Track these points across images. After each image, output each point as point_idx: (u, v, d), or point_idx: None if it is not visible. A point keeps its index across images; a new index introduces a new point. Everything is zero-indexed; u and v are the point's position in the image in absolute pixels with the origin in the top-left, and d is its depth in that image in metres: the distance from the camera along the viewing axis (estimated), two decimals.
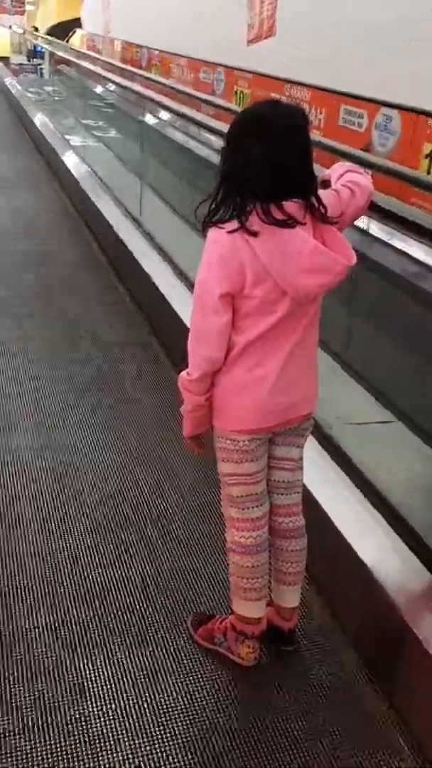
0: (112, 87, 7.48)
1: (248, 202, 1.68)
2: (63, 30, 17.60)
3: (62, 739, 1.86)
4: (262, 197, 1.67)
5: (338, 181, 1.90)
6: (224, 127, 2.54)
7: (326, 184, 1.91)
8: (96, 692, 2.00)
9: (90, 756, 1.83)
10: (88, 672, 2.06)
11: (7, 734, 1.87)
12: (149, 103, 5.70)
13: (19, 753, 1.82)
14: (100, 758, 1.83)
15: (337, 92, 6.12)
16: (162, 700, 1.99)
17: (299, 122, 1.71)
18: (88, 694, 1.99)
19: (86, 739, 1.87)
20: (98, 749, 1.85)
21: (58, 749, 1.84)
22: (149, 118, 5.95)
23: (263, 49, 8.05)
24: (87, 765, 1.81)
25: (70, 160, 7.54)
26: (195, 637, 2.17)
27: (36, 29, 18.51)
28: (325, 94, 6.36)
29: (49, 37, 14.72)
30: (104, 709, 1.95)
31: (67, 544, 2.56)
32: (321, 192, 1.76)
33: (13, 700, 1.96)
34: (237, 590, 2.03)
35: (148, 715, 1.95)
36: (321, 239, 1.72)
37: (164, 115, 5.71)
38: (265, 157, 1.66)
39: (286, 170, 1.68)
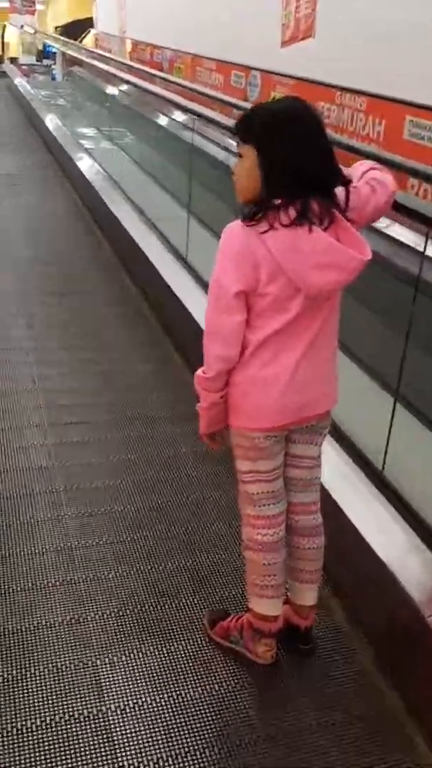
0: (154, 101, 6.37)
1: (273, 200, 1.67)
2: (74, 30, 16.92)
3: (81, 736, 1.87)
4: (285, 195, 1.67)
5: (360, 179, 1.86)
6: None
7: (348, 181, 1.85)
8: (114, 689, 2.00)
9: (108, 752, 1.83)
10: (105, 669, 2.06)
11: (25, 731, 1.87)
12: (203, 122, 4.68)
13: (38, 750, 1.83)
14: (119, 754, 1.83)
15: (402, 102, 5.33)
16: (179, 697, 1.99)
17: (320, 119, 1.71)
18: (105, 691, 1.99)
19: (105, 736, 1.87)
20: (116, 746, 1.85)
21: (77, 746, 1.84)
22: (200, 141, 4.97)
23: (299, 52, 7.29)
24: (105, 761, 1.81)
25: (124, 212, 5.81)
26: (211, 635, 2.16)
27: (56, 29, 17.76)
28: (387, 103, 5.58)
29: (65, 39, 13.93)
30: (122, 706, 1.95)
31: (84, 542, 2.56)
32: (340, 189, 1.74)
33: (31, 697, 1.96)
34: (253, 588, 2.02)
35: (166, 711, 1.95)
36: (335, 236, 1.70)
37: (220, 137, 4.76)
38: (290, 156, 1.66)
39: (310, 168, 1.67)
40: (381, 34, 5.59)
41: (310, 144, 1.68)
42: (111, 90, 8.24)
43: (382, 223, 2.86)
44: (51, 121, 9.55)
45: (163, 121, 6.63)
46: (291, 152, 1.66)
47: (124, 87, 7.29)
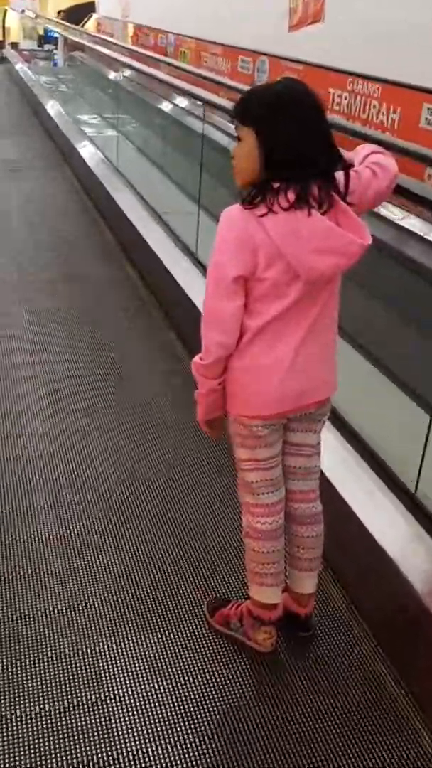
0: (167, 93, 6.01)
1: (272, 183, 1.65)
2: (76, 14, 16.66)
3: (79, 724, 1.86)
4: (285, 178, 1.64)
5: (362, 162, 1.84)
6: None
7: (349, 165, 1.82)
8: (112, 677, 1.99)
9: (107, 740, 1.82)
10: (104, 656, 2.05)
11: (24, 718, 1.86)
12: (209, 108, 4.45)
13: (34, 738, 1.82)
14: (117, 743, 1.82)
15: (420, 89, 5.11)
16: (179, 685, 1.98)
17: (319, 101, 1.69)
18: (104, 679, 1.98)
19: (103, 724, 1.86)
20: (115, 734, 1.84)
21: (76, 734, 1.83)
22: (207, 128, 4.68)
23: (308, 37, 7.06)
24: (104, 749, 1.80)
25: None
26: (211, 622, 2.16)
27: (59, 12, 17.43)
28: (403, 90, 5.36)
29: (67, 24, 13.64)
30: (120, 694, 1.94)
31: (82, 529, 2.55)
32: (339, 173, 1.72)
33: (28, 685, 1.95)
34: (253, 576, 2.02)
35: (165, 699, 1.94)
36: (335, 220, 1.67)
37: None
38: (289, 138, 1.64)
39: (310, 151, 1.65)
40: (396, 20, 5.38)
41: (310, 126, 1.65)
42: (114, 75, 8.00)
43: None
44: (53, 108, 9.34)
45: (168, 107, 6.41)
46: (291, 134, 1.64)
47: (128, 72, 7.05)
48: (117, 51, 8.09)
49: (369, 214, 1.97)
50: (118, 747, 1.81)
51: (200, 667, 2.04)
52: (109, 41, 10.10)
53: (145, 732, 1.85)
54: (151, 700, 1.93)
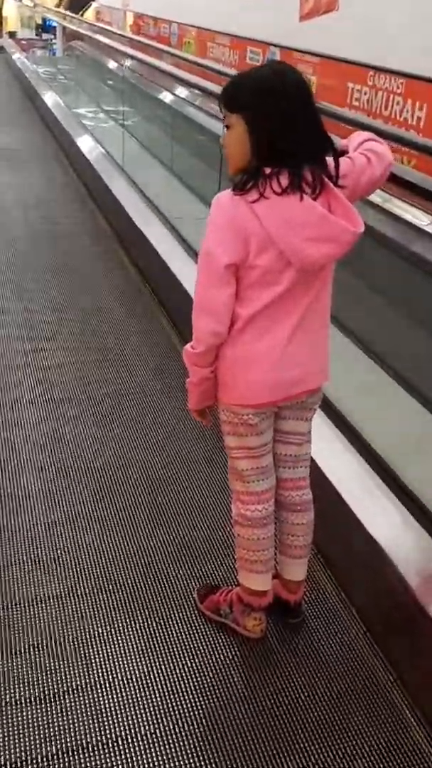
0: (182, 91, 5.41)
1: (263, 169, 1.63)
2: (77, 3, 16.21)
3: (69, 708, 1.86)
4: (275, 163, 1.63)
5: (356, 149, 1.82)
6: None
7: (343, 152, 1.81)
8: (103, 662, 2.00)
9: (97, 725, 1.83)
10: (95, 642, 2.06)
11: (13, 703, 1.87)
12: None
13: (23, 722, 1.82)
14: (107, 727, 1.83)
15: None
16: (169, 670, 1.99)
17: (307, 85, 1.67)
18: (95, 664, 1.99)
19: (94, 708, 1.87)
20: (105, 718, 1.85)
21: (66, 718, 1.84)
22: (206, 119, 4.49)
23: (321, 27, 6.67)
24: (94, 733, 1.81)
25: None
26: (201, 608, 2.16)
27: (60, 1, 16.95)
28: (429, 86, 4.97)
29: (66, 12, 13.18)
30: (110, 680, 1.95)
31: (73, 515, 2.55)
32: (330, 159, 1.70)
33: (20, 670, 1.96)
34: (243, 563, 2.02)
35: (155, 684, 1.95)
36: (327, 205, 1.66)
37: None
38: (279, 123, 1.62)
39: (299, 135, 1.63)
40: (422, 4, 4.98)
41: (299, 110, 1.63)
42: (114, 65, 7.59)
43: None
44: (50, 99, 8.94)
45: (170, 99, 6.00)
46: (280, 119, 1.62)
47: (134, 64, 6.63)
48: (121, 42, 7.69)
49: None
50: (110, 730, 1.82)
51: (190, 652, 2.05)
52: (113, 31, 9.67)
53: (136, 715, 1.86)
54: (142, 684, 1.94)
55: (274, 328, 1.76)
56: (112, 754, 1.76)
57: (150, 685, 1.94)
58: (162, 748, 1.79)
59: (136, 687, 1.93)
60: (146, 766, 1.75)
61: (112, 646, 2.05)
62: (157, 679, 1.96)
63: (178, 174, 5.72)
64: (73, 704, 1.88)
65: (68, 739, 1.79)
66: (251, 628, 2.07)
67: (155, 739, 1.81)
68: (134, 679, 1.95)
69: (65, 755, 1.76)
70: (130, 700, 1.90)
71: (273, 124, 1.62)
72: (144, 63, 5.85)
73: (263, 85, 1.64)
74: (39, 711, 1.86)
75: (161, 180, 5.83)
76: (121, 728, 1.83)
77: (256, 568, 2.00)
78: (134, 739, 1.80)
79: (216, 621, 2.12)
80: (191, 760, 1.77)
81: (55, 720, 1.84)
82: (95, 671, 1.97)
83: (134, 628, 2.11)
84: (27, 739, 1.79)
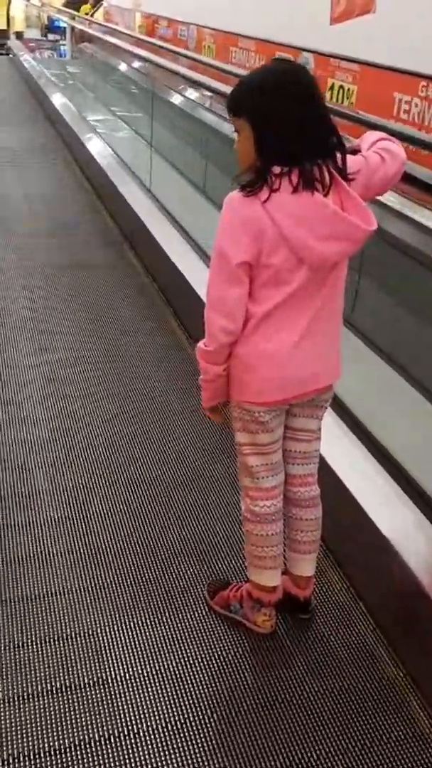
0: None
1: (272, 167, 1.64)
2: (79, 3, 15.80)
3: (82, 703, 1.87)
4: (283, 163, 1.64)
5: (369, 148, 1.83)
6: None
7: (355, 151, 1.83)
8: (115, 657, 2.01)
9: (110, 719, 1.84)
10: (106, 637, 2.07)
11: (27, 696, 1.89)
12: None
13: (38, 715, 1.84)
14: (120, 721, 1.84)
15: None
16: (180, 665, 2.00)
17: (312, 81, 1.69)
18: (106, 659, 2.00)
19: (106, 703, 1.88)
20: (118, 712, 1.86)
21: (78, 712, 1.85)
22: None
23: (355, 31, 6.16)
24: (107, 727, 1.82)
25: None
26: (211, 604, 2.17)
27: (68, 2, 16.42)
28: None
29: (75, 12, 12.67)
30: (122, 674, 1.96)
31: (86, 512, 2.56)
32: (348, 157, 1.72)
33: (32, 664, 1.97)
34: (252, 559, 2.04)
35: (167, 679, 1.95)
36: (340, 204, 1.67)
37: None
38: (282, 124, 1.63)
39: (305, 133, 1.64)
40: None
41: (303, 109, 1.63)
42: (127, 69, 7.05)
43: None
44: (62, 106, 8.37)
45: (205, 115, 5.42)
46: (283, 120, 1.63)
47: (145, 67, 6.07)
48: (127, 42, 7.12)
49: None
50: (119, 725, 1.83)
51: (200, 648, 2.06)
52: (121, 31, 9.13)
53: (145, 710, 1.87)
54: (152, 680, 1.95)
55: (287, 327, 1.77)
56: (123, 748, 1.77)
57: (160, 679, 1.95)
58: (174, 741, 1.80)
59: (146, 681, 1.94)
60: (158, 759, 1.76)
61: (122, 641, 2.06)
62: (167, 674, 1.97)
63: (213, 198, 5.08)
64: (85, 698, 1.89)
65: (77, 733, 1.80)
66: (261, 624, 2.08)
67: (164, 733, 1.81)
68: (144, 674, 1.96)
69: (77, 748, 1.77)
70: (140, 695, 1.91)
71: (276, 124, 1.63)
72: (179, 75, 5.13)
73: (264, 86, 1.64)
74: (47, 706, 1.86)
75: (194, 203, 5.25)
76: (131, 722, 1.83)
77: (265, 564, 2.01)
78: (143, 733, 1.81)
79: (226, 617, 2.13)
80: (203, 754, 1.78)
81: (63, 715, 1.84)
82: (107, 665, 1.98)
83: (145, 623, 2.12)
84: (39, 732, 1.80)
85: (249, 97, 1.66)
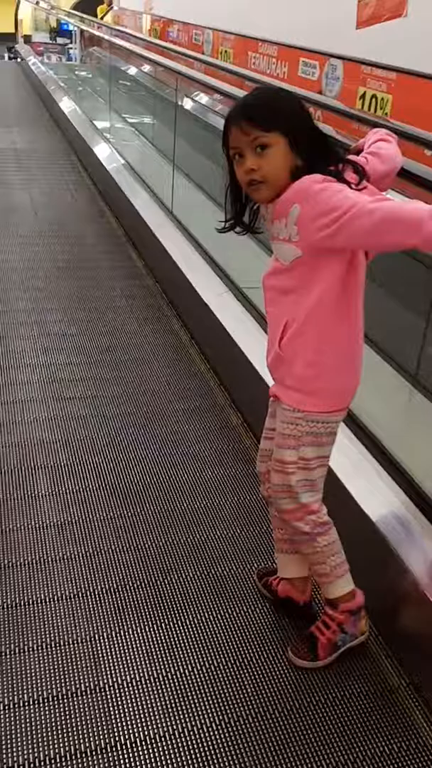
0: None
1: (330, 168, 1.67)
2: (93, 6, 15.41)
3: (78, 710, 1.85)
4: (334, 158, 1.70)
5: (369, 147, 1.88)
6: None
7: (359, 151, 1.88)
8: (112, 664, 1.99)
9: (106, 727, 1.81)
10: (104, 644, 2.05)
11: (21, 704, 1.86)
12: None
13: (32, 724, 1.81)
14: (116, 729, 1.81)
15: None
16: (178, 672, 1.97)
17: None
18: (103, 666, 1.98)
19: (102, 710, 1.85)
20: (114, 720, 1.83)
21: (74, 720, 1.82)
22: None
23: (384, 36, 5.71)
24: (103, 735, 1.79)
25: None
26: (321, 664, 2.00)
27: (77, 4, 15.99)
28: None
29: (86, 15, 12.25)
30: (120, 681, 1.94)
31: (83, 517, 2.53)
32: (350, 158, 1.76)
33: (28, 671, 1.95)
34: (335, 570, 1.95)
35: (164, 686, 1.93)
36: None
37: None
38: (317, 130, 1.71)
39: (328, 138, 1.76)
40: None
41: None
42: (141, 75, 6.60)
43: None
44: (71, 112, 7.98)
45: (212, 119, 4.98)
46: (315, 126, 1.70)
47: (158, 72, 5.59)
48: (142, 46, 6.68)
49: None
50: (117, 732, 1.80)
51: (200, 656, 2.02)
52: (135, 36, 8.70)
53: (144, 718, 1.84)
54: (151, 687, 1.92)
55: (358, 319, 1.77)
56: (121, 757, 1.75)
57: (159, 686, 1.93)
58: (170, 749, 1.77)
59: (145, 688, 1.92)
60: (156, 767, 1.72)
61: (120, 648, 2.03)
62: (166, 681, 1.94)
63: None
64: (80, 706, 1.86)
65: (74, 741, 1.77)
66: (364, 628, 2.03)
67: (163, 741, 1.79)
68: (143, 681, 1.94)
69: (74, 757, 1.74)
70: (139, 702, 1.88)
71: (313, 132, 1.68)
72: (210, 87, 4.52)
73: (294, 98, 1.70)
74: (45, 713, 1.83)
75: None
76: (129, 730, 1.81)
77: (347, 567, 1.97)
78: (142, 741, 1.78)
79: (337, 654, 2.00)
80: (202, 763, 1.74)
81: (61, 722, 1.81)
82: (103, 672, 1.95)
83: (144, 630, 2.10)
84: (32, 741, 1.77)
85: (290, 109, 1.68)
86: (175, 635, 2.08)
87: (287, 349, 1.78)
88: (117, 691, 1.90)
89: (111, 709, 1.85)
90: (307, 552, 1.96)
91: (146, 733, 1.80)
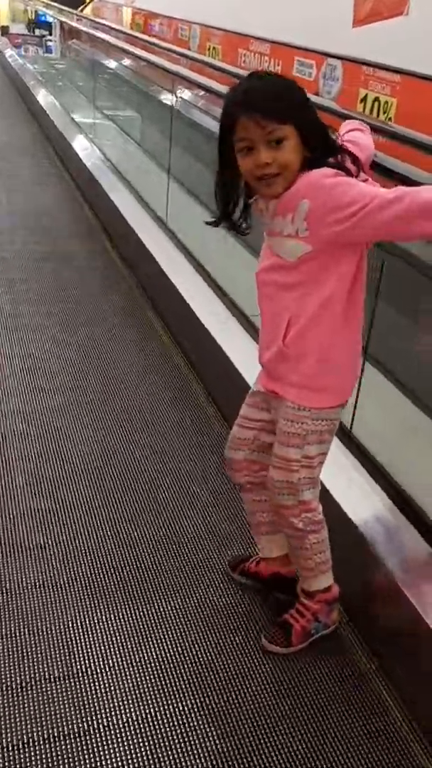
0: None
1: (329, 159, 1.67)
2: None
3: (52, 697, 1.85)
4: (337, 153, 1.70)
5: (343, 137, 1.90)
6: None
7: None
8: (87, 651, 2.00)
9: (81, 713, 1.82)
10: (79, 631, 2.05)
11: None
12: None
13: (7, 709, 1.81)
14: (91, 715, 1.82)
15: None
16: (154, 659, 1.99)
17: None
18: (79, 653, 1.99)
19: (77, 697, 1.86)
20: (89, 706, 1.84)
21: (47, 707, 1.83)
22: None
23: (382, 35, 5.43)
24: (78, 721, 1.80)
25: None
26: (293, 650, 2.04)
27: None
28: None
29: (64, 7, 11.83)
30: (94, 667, 1.95)
31: (57, 504, 2.55)
32: None
33: (4, 658, 1.95)
34: (320, 566, 2.00)
35: (140, 673, 1.94)
36: None
37: None
38: (321, 121, 1.71)
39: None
40: None
41: None
42: (123, 70, 6.23)
43: None
44: (51, 107, 7.55)
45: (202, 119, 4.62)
46: (318, 117, 1.68)
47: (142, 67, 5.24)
48: (122, 40, 6.29)
49: None
50: (92, 717, 1.81)
51: (176, 643, 2.04)
52: (116, 29, 8.30)
53: (119, 703, 1.85)
54: (126, 673, 1.94)
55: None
56: (98, 741, 1.75)
57: (134, 674, 1.93)
58: (144, 735, 1.78)
59: (120, 676, 1.92)
60: (131, 753, 1.74)
61: (96, 636, 2.04)
62: (141, 669, 1.95)
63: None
64: (59, 691, 1.86)
65: (48, 728, 1.77)
66: (336, 618, 2.08)
67: (138, 727, 1.80)
68: (117, 668, 1.94)
69: (49, 742, 1.74)
70: (114, 689, 1.89)
71: (319, 123, 1.67)
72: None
73: (299, 88, 1.67)
74: (17, 699, 1.83)
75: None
76: (104, 716, 1.81)
77: (330, 563, 2.01)
78: (117, 727, 1.79)
79: (308, 644, 2.05)
80: (180, 748, 1.76)
81: (34, 709, 1.81)
82: (78, 660, 1.96)
83: (118, 618, 2.10)
84: (12, 726, 1.76)
85: (300, 100, 1.65)
86: (149, 622, 2.09)
87: (294, 346, 1.75)
88: (92, 677, 1.91)
89: (86, 694, 1.86)
90: (296, 546, 1.98)
91: (121, 717, 1.81)
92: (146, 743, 1.76)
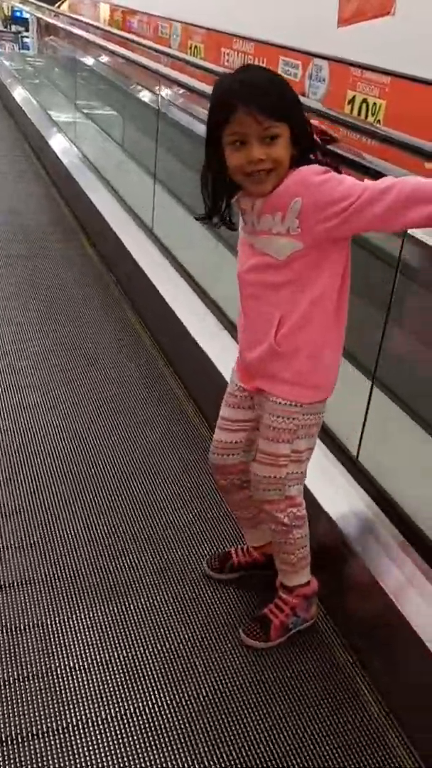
0: None
1: (310, 156, 1.69)
2: None
3: (26, 695, 1.85)
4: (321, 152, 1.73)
5: None
6: None
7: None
8: (63, 648, 1.99)
9: (57, 710, 1.82)
10: (54, 629, 2.05)
11: None
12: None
13: None
14: (68, 712, 1.82)
15: None
16: (131, 655, 1.99)
17: None
18: (55, 651, 1.98)
19: (53, 694, 1.86)
20: (65, 703, 1.84)
21: (21, 704, 1.82)
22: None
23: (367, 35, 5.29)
24: (54, 718, 1.80)
25: None
26: (272, 645, 2.05)
27: None
28: None
29: (42, 3, 11.59)
30: (71, 665, 1.95)
31: (34, 504, 2.53)
32: None
33: None
34: (301, 562, 2.01)
35: (117, 669, 1.94)
36: None
37: None
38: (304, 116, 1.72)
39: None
40: None
41: None
42: (103, 69, 6.07)
43: None
44: (24, 101, 7.32)
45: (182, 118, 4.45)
46: (305, 116, 1.69)
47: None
48: (99, 36, 6.11)
49: None
50: (69, 714, 1.81)
51: (152, 639, 2.04)
52: (94, 26, 8.12)
53: (96, 700, 1.85)
54: (102, 670, 1.93)
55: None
56: (75, 738, 1.75)
57: (110, 671, 1.93)
58: (121, 731, 1.78)
59: (97, 673, 1.92)
60: (108, 750, 1.74)
61: (72, 633, 2.03)
62: (118, 665, 1.95)
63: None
64: (35, 689, 1.86)
65: (23, 725, 1.76)
66: (315, 613, 2.09)
67: (114, 724, 1.80)
68: (94, 665, 1.94)
69: (26, 739, 1.73)
70: (90, 686, 1.88)
71: (306, 118, 1.68)
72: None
73: (283, 81, 1.65)
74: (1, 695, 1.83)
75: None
76: (80, 713, 1.81)
77: (309, 559, 2.02)
78: (93, 724, 1.79)
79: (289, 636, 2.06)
80: (154, 742, 1.76)
81: (9, 706, 1.80)
82: (54, 657, 1.95)
83: (95, 615, 2.10)
84: None
85: (292, 97, 1.64)
86: (125, 619, 2.10)
87: (286, 344, 1.74)
88: (68, 674, 1.91)
89: (62, 692, 1.86)
90: (279, 541, 1.99)
91: (98, 714, 1.81)
92: (123, 739, 1.76)
